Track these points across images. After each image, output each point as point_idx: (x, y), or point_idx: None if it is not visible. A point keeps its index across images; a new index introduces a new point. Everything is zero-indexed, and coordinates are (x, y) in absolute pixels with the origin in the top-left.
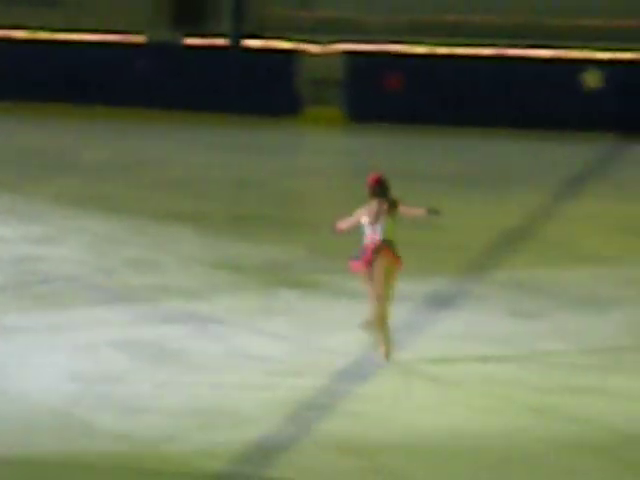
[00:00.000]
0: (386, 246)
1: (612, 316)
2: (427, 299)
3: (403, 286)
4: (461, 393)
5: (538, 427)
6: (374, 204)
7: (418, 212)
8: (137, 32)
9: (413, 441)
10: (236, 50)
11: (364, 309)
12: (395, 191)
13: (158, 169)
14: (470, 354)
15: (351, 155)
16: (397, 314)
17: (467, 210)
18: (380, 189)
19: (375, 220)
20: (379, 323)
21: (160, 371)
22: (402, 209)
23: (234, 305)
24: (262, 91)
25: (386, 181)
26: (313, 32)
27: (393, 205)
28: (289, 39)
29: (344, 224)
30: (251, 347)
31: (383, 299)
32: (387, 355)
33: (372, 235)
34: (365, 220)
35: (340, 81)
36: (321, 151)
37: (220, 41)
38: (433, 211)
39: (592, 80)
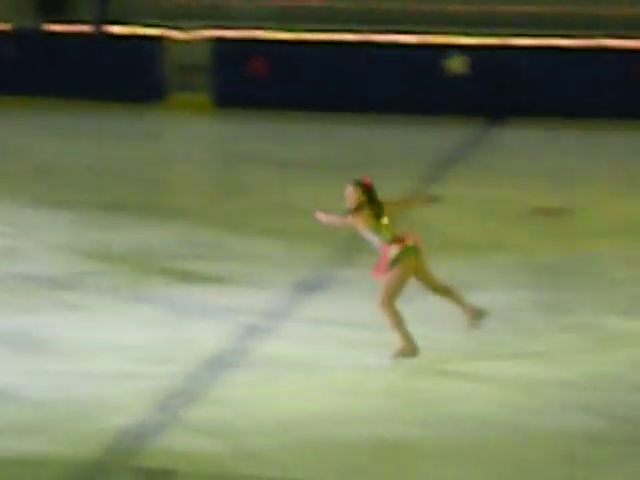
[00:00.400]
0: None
1: (478, 300)
2: (293, 285)
3: (269, 272)
4: (328, 378)
5: (400, 409)
6: (367, 213)
7: (415, 204)
8: (3, 20)
9: (281, 426)
10: (100, 37)
11: (233, 295)
12: (260, 176)
13: (23, 156)
14: (337, 338)
15: (218, 142)
16: (264, 300)
17: (333, 195)
18: (373, 194)
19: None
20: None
21: (27, 360)
22: (394, 206)
23: (102, 293)
24: (127, 78)
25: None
26: (178, 18)
27: (380, 208)
28: (154, 25)
29: (327, 218)
30: (120, 335)
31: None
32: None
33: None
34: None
35: (206, 67)
36: (187, 138)
37: (85, 27)
38: (433, 199)
39: (457, 65)
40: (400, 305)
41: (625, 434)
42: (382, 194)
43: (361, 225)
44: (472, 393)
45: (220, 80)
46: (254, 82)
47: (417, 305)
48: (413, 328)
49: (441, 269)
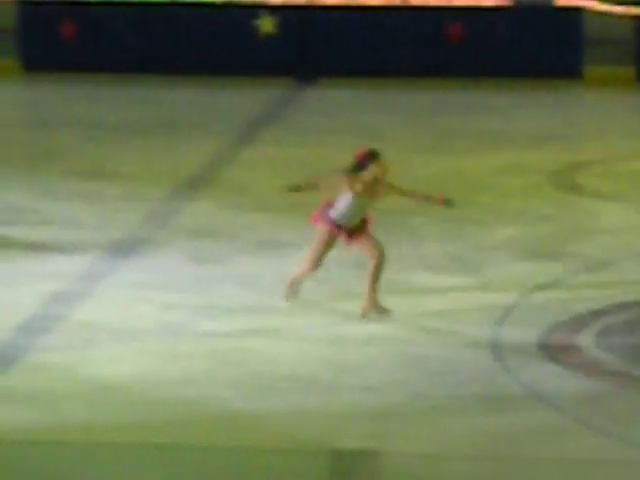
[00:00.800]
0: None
1: (292, 260)
2: (108, 248)
3: (84, 236)
4: (144, 342)
5: (213, 371)
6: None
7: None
8: None
9: (97, 390)
10: None
11: (47, 260)
12: (72, 140)
13: None
14: (153, 302)
15: (28, 106)
16: (79, 265)
17: (145, 159)
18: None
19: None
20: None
21: None
22: (395, 191)
23: None
24: None
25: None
26: None
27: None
28: None
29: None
30: None
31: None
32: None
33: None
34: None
35: (13, 30)
36: None
37: None
38: (449, 202)
39: (266, 25)
40: (214, 268)
41: (440, 388)
42: (196, 155)
43: (347, 188)
44: (285, 352)
45: (27, 44)
46: (62, 45)
47: (233, 267)
48: (230, 290)
49: (256, 229)
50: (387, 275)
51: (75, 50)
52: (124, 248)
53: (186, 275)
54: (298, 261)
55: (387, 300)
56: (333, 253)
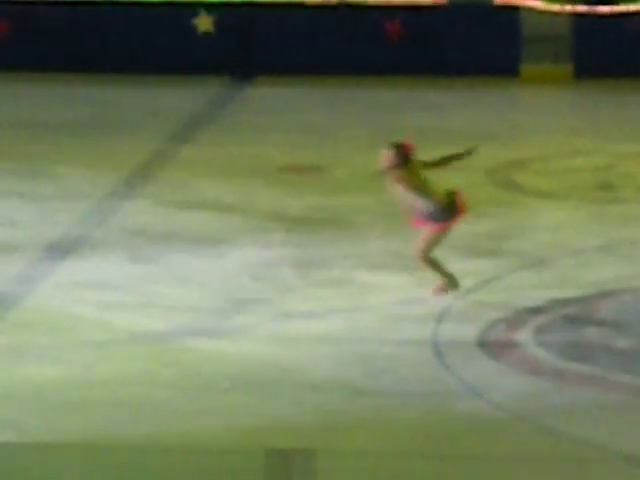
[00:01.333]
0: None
1: (231, 258)
2: (45, 248)
3: (20, 236)
4: (81, 341)
5: (150, 371)
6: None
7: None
8: None
9: (33, 393)
10: None
11: None
12: (8, 139)
13: None
14: (90, 301)
15: None
16: (15, 264)
17: (81, 158)
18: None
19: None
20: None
21: None
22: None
23: None
24: None
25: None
26: None
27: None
28: None
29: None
30: None
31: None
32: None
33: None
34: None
35: None
36: None
37: None
38: (469, 152)
39: (203, 23)
40: (152, 266)
41: (381, 386)
42: (134, 154)
43: (403, 184)
44: (226, 351)
45: None
46: None
47: (171, 266)
48: (168, 289)
49: (193, 228)
50: (329, 273)
51: (8, 48)
52: (61, 248)
53: (124, 274)
54: (239, 261)
55: (328, 298)
56: (273, 252)
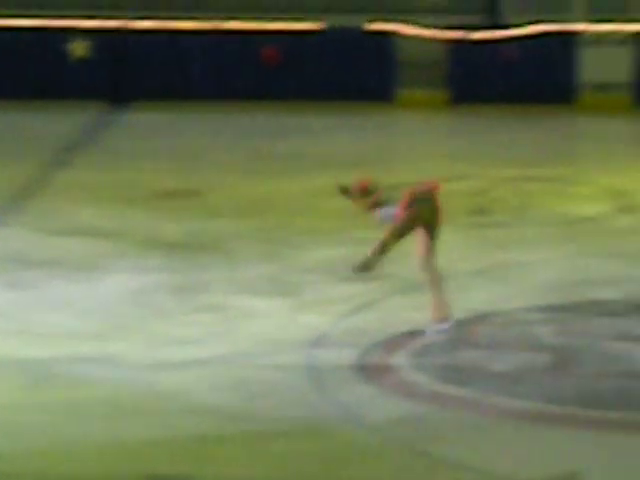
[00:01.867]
0: None
1: (108, 284)
2: None
3: None
4: None
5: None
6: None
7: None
8: None
9: None
10: None
11: None
12: None
13: None
14: None
15: None
16: None
17: None
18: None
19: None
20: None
21: None
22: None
23: None
24: None
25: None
26: None
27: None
28: None
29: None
30: None
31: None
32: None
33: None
34: None
35: None
36: None
37: None
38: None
39: (79, 49)
40: (28, 293)
41: (258, 411)
42: (7, 181)
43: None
44: (102, 377)
45: None
46: None
47: (47, 292)
48: (45, 315)
49: (69, 254)
50: (206, 298)
51: None
52: None
53: (6, 299)
54: (116, 287)
55: (205, 323)
56: (150, 278)
